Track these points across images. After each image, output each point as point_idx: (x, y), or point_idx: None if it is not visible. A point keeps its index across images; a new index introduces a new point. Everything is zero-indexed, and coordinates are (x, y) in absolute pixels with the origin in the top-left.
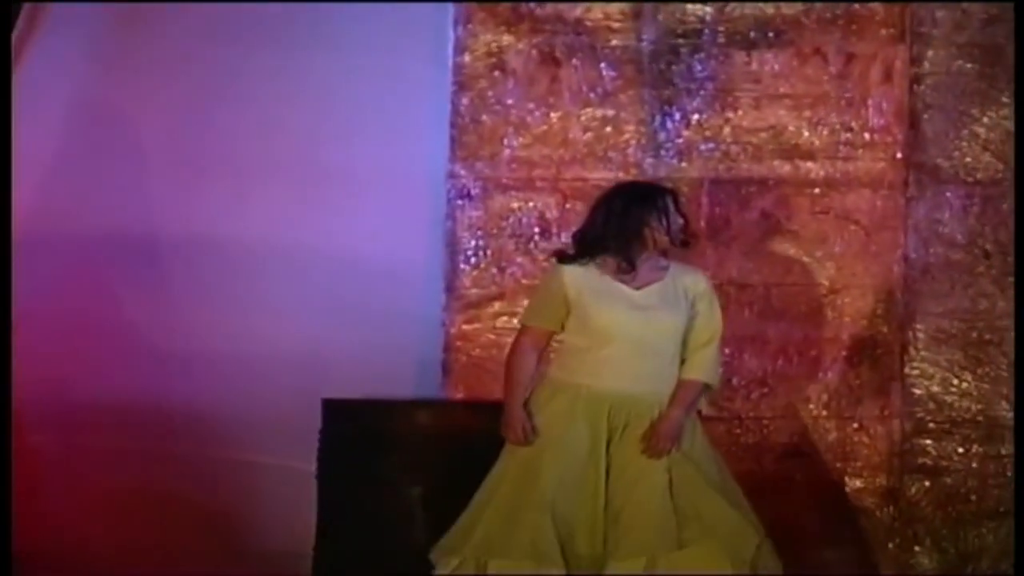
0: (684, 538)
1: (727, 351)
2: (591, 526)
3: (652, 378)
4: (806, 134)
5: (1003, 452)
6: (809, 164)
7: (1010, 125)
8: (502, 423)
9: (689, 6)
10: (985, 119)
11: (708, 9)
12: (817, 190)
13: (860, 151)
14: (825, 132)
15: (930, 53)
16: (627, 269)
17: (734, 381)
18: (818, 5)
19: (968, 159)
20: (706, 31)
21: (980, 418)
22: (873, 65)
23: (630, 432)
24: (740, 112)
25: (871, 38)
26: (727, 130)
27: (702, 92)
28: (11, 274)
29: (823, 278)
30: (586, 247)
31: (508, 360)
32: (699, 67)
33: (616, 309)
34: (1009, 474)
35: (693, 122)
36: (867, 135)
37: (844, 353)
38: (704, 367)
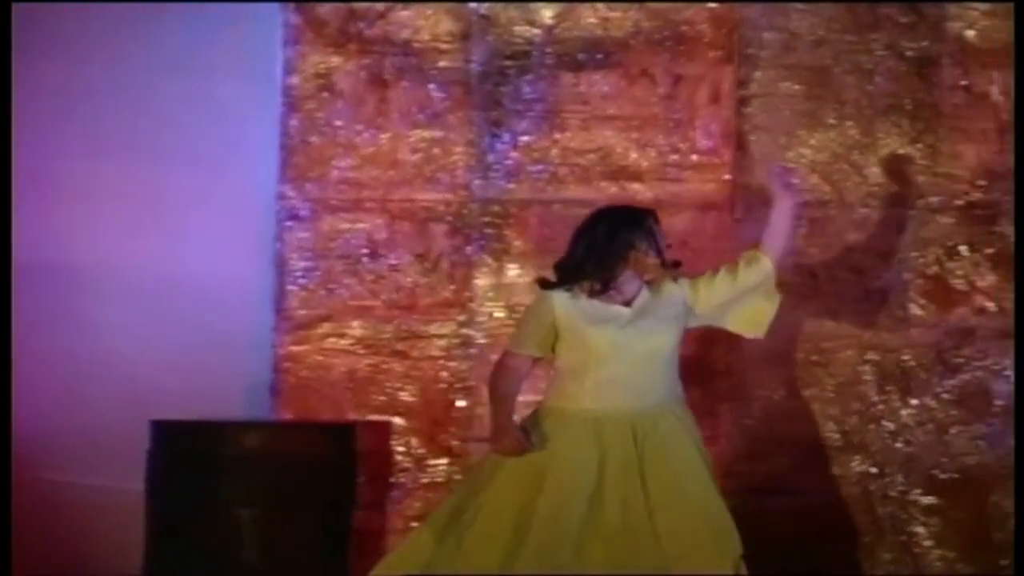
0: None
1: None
2: (613, 544)
3: (657, 389)
4: (634, 156)
5: (834, 472)
6: (637, 185)
7: (836, 147)
8: (492, 437)
9: (517, 28)
10: (812, 141)
11: (537, 31)
12: None
13: (688, 173)
14: (653, 154)
15: (757, 74)
16: (605, 290)
17: None
18: (646, 27)
19: (794, 180)
20: (535, 53)
21: (808, 438)
22: (701, 86)
23: (655, 446)
24: (568, 133)
25: (699, 60)
26: (555, 151)
27: (530, 113)
28: (11, 276)
29: None
30: (573, 273)
31: (493, 380)
32: (528, 89)
33: (608, 329)
34: (841, 495)
35: (521, 143)
36: (695, 156)
37: None
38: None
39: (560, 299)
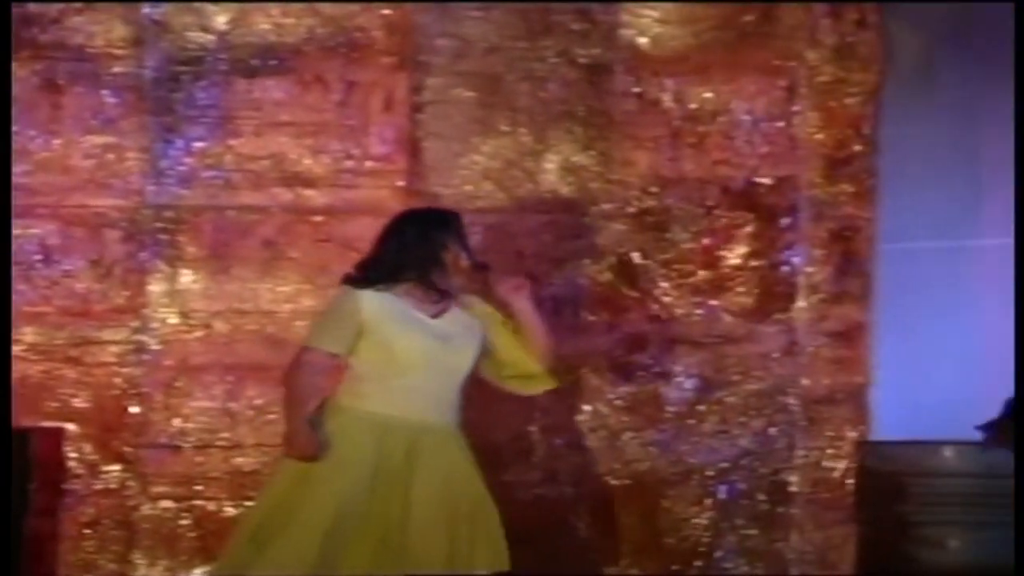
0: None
1: (230, 378)
2: (373, 552)
3: (449, 407)
4: (307, 162)
5: (506, 479)
6: (311, 192)
7: (509, 154)
8: (284, 440)
9: (190, 33)
10: (485, 147)
11: (210, 37)
12: (319, 218)
13: (361, 179)
14: (327, 160)
15: (430, 81)
16: (431, 297)
17: (234, 407)
18: (319, 33)
19: (468, 187)
20: (208, 58)
21: (481, 446)
22: (374, 93)
23: (430, 460)
24: (242, 139)
25: (372, 66)
26: (229, 157)
27: (204, 119)
28: (11, 275)
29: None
30: (384, 273)
31: (290, 378)
32: (201, 95)
33: (417, 337)
34: (514, 501)
35: (195, 149)
36: (368, 163)
37: None
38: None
39: (369, 298)
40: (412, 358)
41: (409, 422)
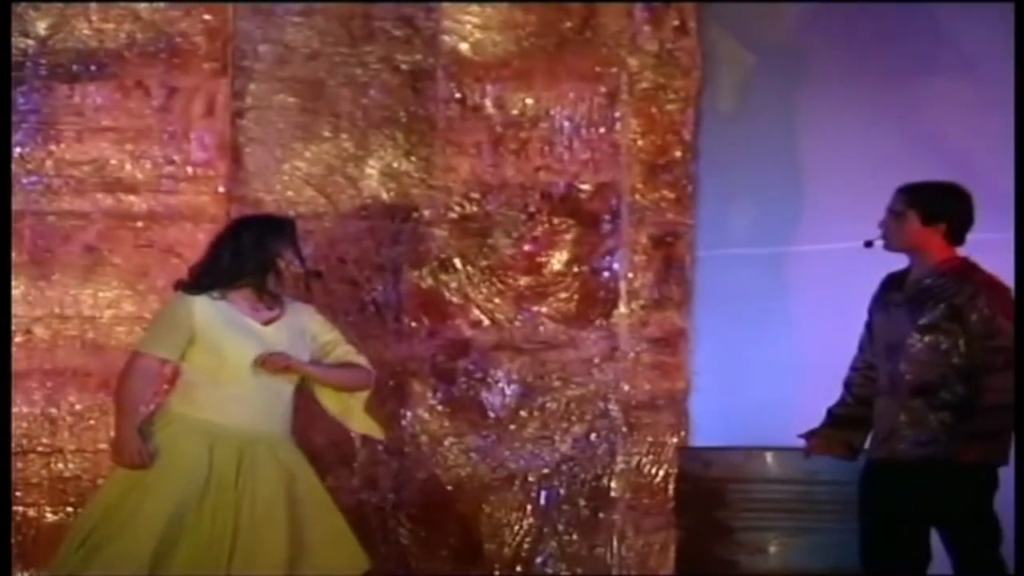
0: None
1: (50, 384)
2: (207, 559)
3: (279, 417)
4: (129, 167)
5: (328, 484)
6: (132, 197)
7: (331, 160)
8: (113, 447)
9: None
10: (307, 153)
11: (31, 42)
12: (140, 223)
13: (183, 184)
14: (148, 165)
15: (252, 87)
16: (265, 303)
17: (54, 413)
18: (140, 38)
19: (290, 192)
20: (28, 64)
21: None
22: (195, 99)
23: (264, 468)
24: (63, 145)
25: (194, 72)
26: (50, 163)
27: (24, 125)
28: (10, 275)
29: (147, 311)
30: (218, 279)
31: (121, 385)
32: (22, 100)
33: (247, 345)
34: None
35: (16, 155)
36: (189, 169)
37: None
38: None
39: (201, 304)
40: (241, 366)
41: (241, 430)
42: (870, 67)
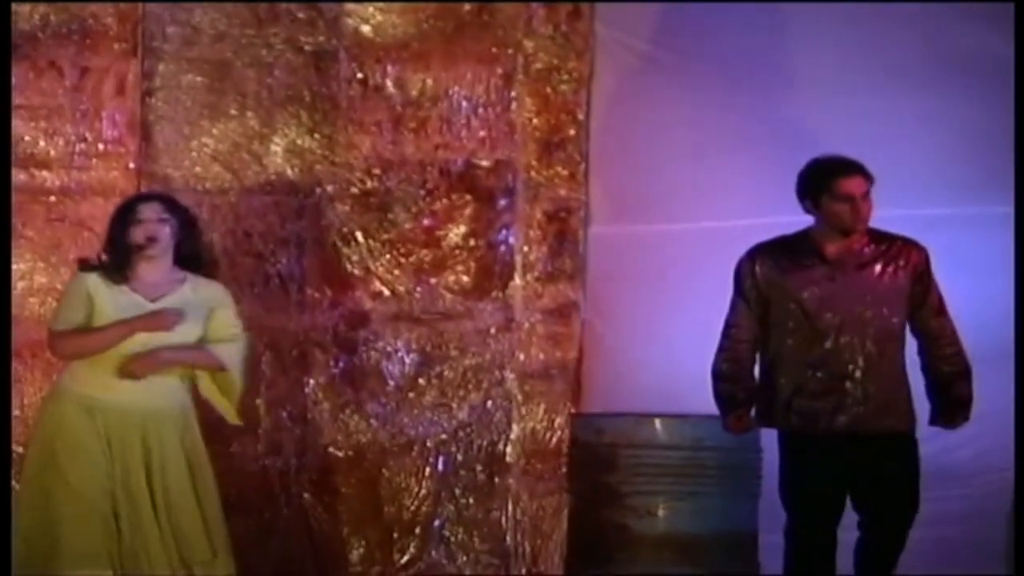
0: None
1: None
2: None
3: (170, 391)
4: (42, 144)
5: (232, 450)
6: (45, 173)
7: (237, 137)
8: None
9: None
10: (214, 130)
11: None
12: (52, 198)
13: (94, 161)
14: (61, 142)
15: (161, 67)
16: (167, 281)
17: None
18: (53, 20)
19: (198, 168)
20: None
21: (210, 420)
22: (107, 78)
23: (159, 447)
24: None
25: (105, 53)
26: None
27: None
28: (10, 274)
29: (58, 283)
30: (112, 256)
31: (63, 348)
32: None
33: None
34: (241, 472)
35: None
36: (101, 146)
37: None
38: (224, 352)
39: (94, 281)
40: (126, 346)
41: (135, 406)
42: (755, 49)
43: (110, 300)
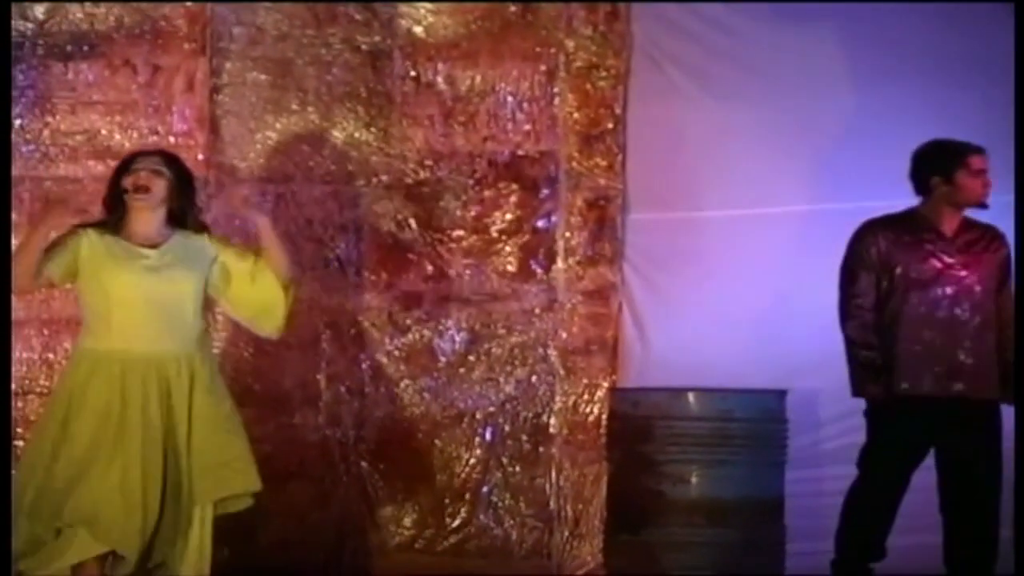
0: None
1: (46, 332)
2: (137, 485)
3: (174, 337)
4: (117, 137)
5: (295, 422)
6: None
7: (298, 131)
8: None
9: (15, 22)
10: (277, 125)
11: (29, 25)
12: None
13: None
14: (134, 136)
15: (228, 65)
16: (160, 233)
17: (51, 357)
18: (127, 22)
19: (262, 160)
20: (27, 44)
21: (270, 393)
22: (177, 76)
23: (169, 391)
24: (58, 117)
25: (175, 52)
26: (46, 133)
27: (23, 99)
28: (11, 275)
29: None
30: (110, 211)
31: (17, 288)
32: (21, 77)
33: (129, 271)
34: (301, 442)
35: (16, 126)
36: (172, 139)
37: None
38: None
39: (89, 237)
40: (124, 293)
41: (144, 354)
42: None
43: (101, 244)
